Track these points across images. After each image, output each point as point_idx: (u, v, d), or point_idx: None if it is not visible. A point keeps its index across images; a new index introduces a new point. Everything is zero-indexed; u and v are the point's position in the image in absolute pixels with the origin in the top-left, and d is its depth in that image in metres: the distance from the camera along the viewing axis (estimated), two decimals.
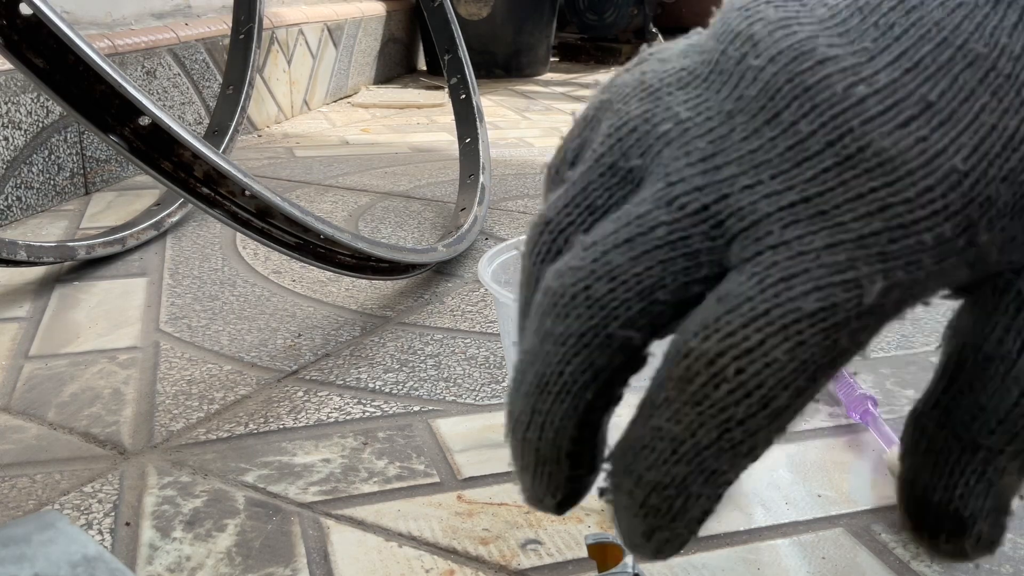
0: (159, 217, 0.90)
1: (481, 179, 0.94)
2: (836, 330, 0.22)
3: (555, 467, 0.24)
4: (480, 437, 0.53)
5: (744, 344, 0.21)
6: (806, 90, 0.23)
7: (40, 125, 0.96)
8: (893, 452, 0.48)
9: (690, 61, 0.25)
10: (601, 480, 0.24)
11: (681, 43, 0.27)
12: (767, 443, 0.22)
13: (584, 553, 0.43)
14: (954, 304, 0.29)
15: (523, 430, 0.23)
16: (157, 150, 0.54)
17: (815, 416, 0.56)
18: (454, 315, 0.71)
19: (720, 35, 0.25)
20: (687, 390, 0.22)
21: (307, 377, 0.61)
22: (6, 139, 0.91)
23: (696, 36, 0.27)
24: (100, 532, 0.44)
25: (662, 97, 0.25)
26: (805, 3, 0.24)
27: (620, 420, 0.46)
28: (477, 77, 1.06)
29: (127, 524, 0.45)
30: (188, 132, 0.54)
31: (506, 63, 2.05)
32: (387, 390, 0.59)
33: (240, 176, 0.57)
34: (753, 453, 0.22)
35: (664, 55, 0.27)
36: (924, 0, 0.24)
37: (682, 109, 0.24)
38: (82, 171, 1.03)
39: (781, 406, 0.22)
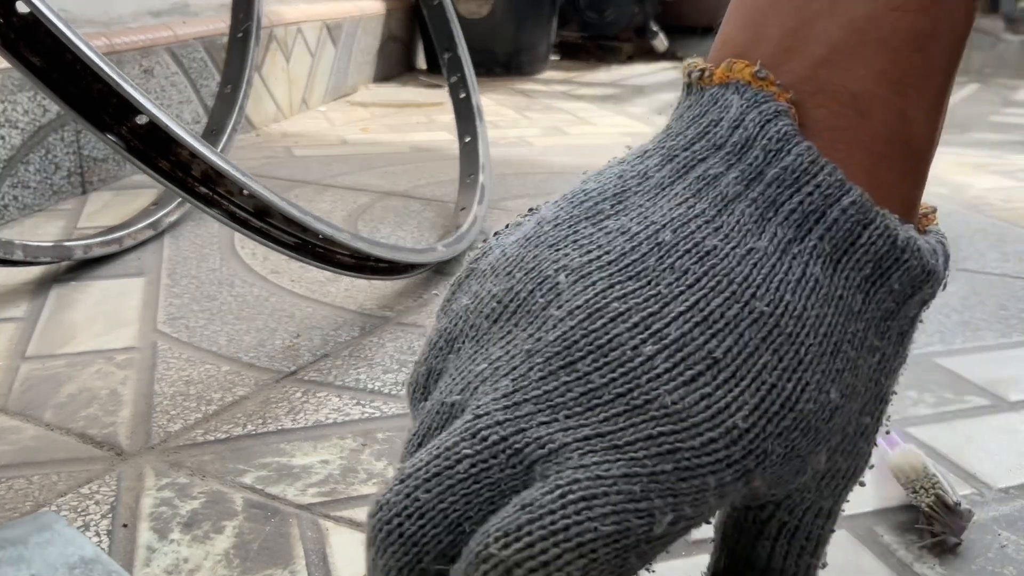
0: (157, 217, 0.89)
1: (481, 178, 0.94)
2: (626, 551, 0.23)
3: None
4: None
5: (541, 557, 0.22)
6: (599, 347, 0.25)
7: (37, 124, 0.95)
8: (895, 453, 0.47)
9: (502, 287, 0.28)
10: None
11: (501, 252, 0.30)
12: None
13: None
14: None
15: None
16: (155, 149, 0.54)
17: None
18: None
19: (530, 272, 0.28)
20: None
21: (306, 378, 0.60)
22: (2, 138, 0.91)
23: (519, 229, 0.30)
24: (97, 534, 0.44)
25: (481, 338, 0.28)
26: (609, 232, 0.27)
27: None
28: (477, 76, 1.06)
29: (124, 526, 0.45)
30: (186, 131, 0.54)
31: (506, 62, 2.05)
32: (386, 391, 0.59)
33: (238, 175, 0.56)
34: None
35: (479, 281, 0.30)
36: (717, 247, 0.26)
37: (495, 349, 0.27)
38: (79, 170, 1.03)
39: None
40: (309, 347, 0.65)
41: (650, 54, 2.40)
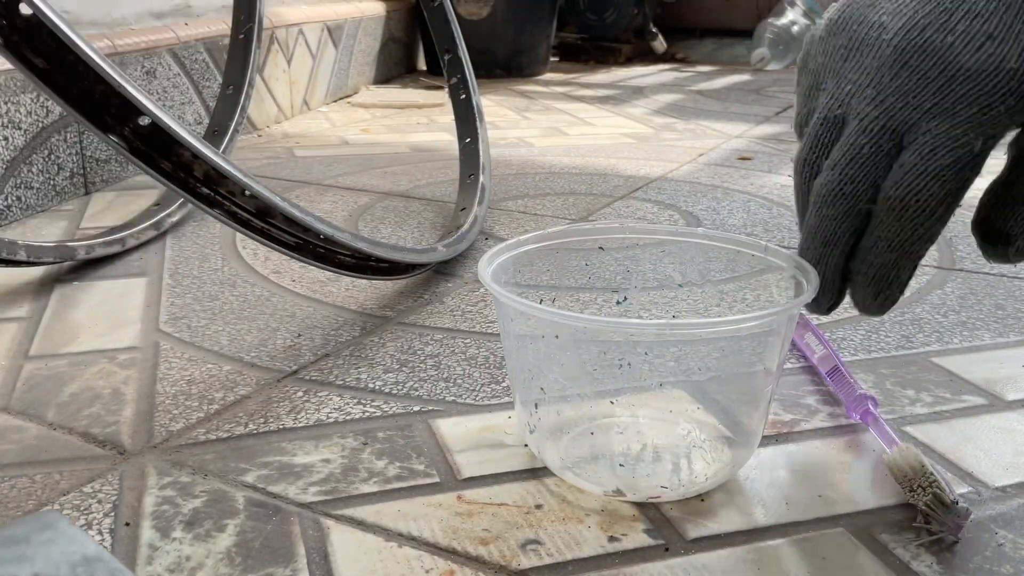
0: (159, 217, 0.90)
1: (481, 179, 0.94)
2: (962, 169, 0.42)
3: (832, 286, 0.46)
4: (480, 437, 0.53)
5: (916, 188, 0.42)
6: (920, 47, 0.41)
7: (40, 125, 0.96)
8: (892, 452, 0.48)
9: (844, 37, 0.44)
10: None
11: (829, 20, 0.45)
12: (937, 233, 0.43)
13: (583, 553, 0.43)
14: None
15: (818, 265, 0.45)
16: (157, 150, 0.54)
17: (815, 416, 0.56)
18: (454, 315, 0.71)
19: (861, 23, 0.43)
20: (892, 213, 0.42)
21: (307, 377, 0.61)
22: (6, 139, 0.91)
23: (827, 18, 0.46)
24: (100, 532, 0.44)
25: (839, 68, 0.44)
26: None
27: (616, 420, 0.47)
28: (477, 77, 1.06)
29: (127, 524, 0.45)
30: (188, 132, 0.54)
31: (506, 63, 2.05)
32: (387, 390, 0.59)
33: (240, 176, 0.57)
34: (932, 237, 0.43)
35: (823, 43, 0.45)
36: None
37: (852, 75, 0.43)
38: (82, 171, 1.03)
39: (940, 213, 0.42)
40: (310, 347, 0.65)
41: (649, 55, 2.40)
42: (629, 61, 2.36)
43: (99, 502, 0.47)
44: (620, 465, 0.48)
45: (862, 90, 0.42)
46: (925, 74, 0.41)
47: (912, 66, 0.41)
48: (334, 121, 1.53)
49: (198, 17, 1.27)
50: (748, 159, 1.26)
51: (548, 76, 2.11)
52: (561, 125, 1.52)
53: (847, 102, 0.43)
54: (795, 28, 2.19)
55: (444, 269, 0.81)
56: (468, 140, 1.01)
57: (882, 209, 0.43)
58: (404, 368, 0.62)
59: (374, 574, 0.41)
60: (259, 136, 1.40)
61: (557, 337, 0.46)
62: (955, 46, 0.40)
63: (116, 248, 0.83)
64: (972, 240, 0.89)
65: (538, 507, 0.46)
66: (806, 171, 0.45)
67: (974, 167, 0.42)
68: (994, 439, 0.53)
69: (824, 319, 0.70)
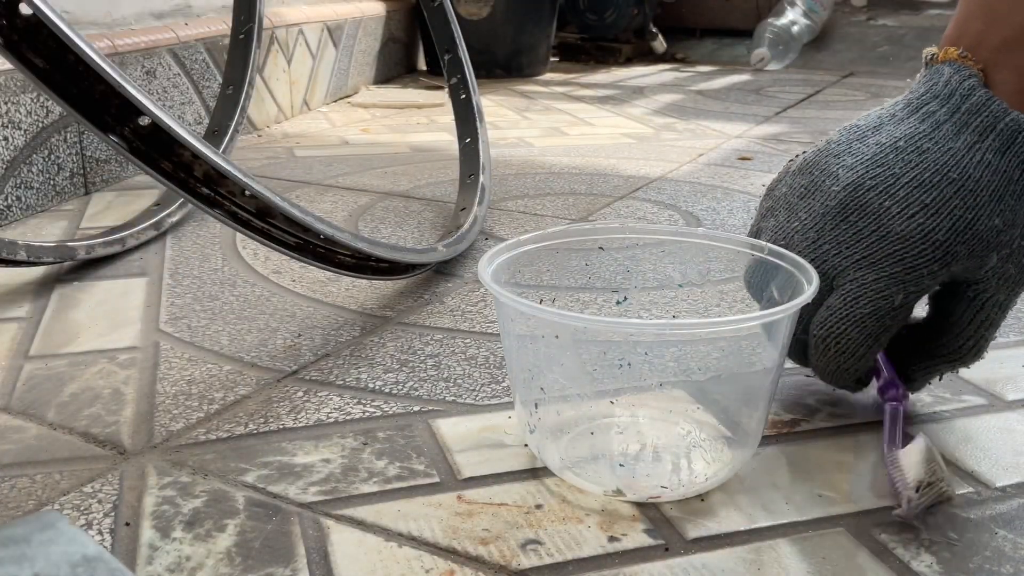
0: (159, 217, 0.90)
1: (481, 179, 0.94)
2: (882, 318, 0.48)
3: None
4: (480, 437, 0.53)
5: (836, 330, 0.49)
6: (861, 207, 0.48)
7: (40, 125, 0.96)
8: (895, 453, 0.48)
9: (806, 180, 0.51)
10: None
11: (804, 160, 0.53)
12: (863, 367, 0.50)
13: (583, 553, 0.43)
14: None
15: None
16: (157, 150, 0.54)
17: (815, 416, 0.56)
18: (454, 315, 0.71)
19: (823, 170, 0.50)
20: (818, 350, 0.50)
21: (307, 377, 0.61)
22: (6, 139, 0.91)
23: (794, 163, 0.54)
24: (100, 532, 0.44)
25: (795, 204, 0.51)
26: (869, 144, 0.49)
27: (615, 420, 0.47)
28: (477, 77, 1.06)
29: (127, 524, 0.45)
30: (188, 132, 0.54)
31: (506, 63, 2.05)
32: (387, 390, 0.59)
33: (240, 176, 0.57)
34: (858, 371, 0.51)
35: (792, 177, 0.53)
36: (930, 148, 0.47)
37: (802, 215, 0.50)
38: (82, 171, 1.03)
39: (861, 354, 0.49)
40: (310, 346, 0.65)
41: (649, 55, 2.40)
42: (629, 61, 2.36)
43: (99, 502, 0.47)
44: (620, 465, 0.48)
45: (805, 231, 0.49)
46: (860, 230, 0.47)
47: (851, 221, 0.48)
48: (334, 121, 1.53)
49: (198, 17, 1.27)
50: (748, 159, 1.26)
51: (548, 76, 2.11)
52: (561, 125, 1.52)
53: (791, 237, 0.50)
54: (795, 28, 2.19)
55: (444, 269, 0.81)
56: (468, 140, 1.01)
57: (811, 344, 0.50)
58: (404, 368, 0.62)
59: (374, 574, 0.41)
60: (259, 136, 1.40)
61: (557, 337, 0.46)
62: (891, 210, 0.46)
63: (116, 248, 0.83)
64: None
65: (538, 507, 0.46)
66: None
67: (895, 317, 0.48)
68: (994, 439, 0.53)
69: None
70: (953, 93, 0.47)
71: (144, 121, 0.53)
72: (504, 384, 0.60)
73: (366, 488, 0.48)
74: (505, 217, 0.97)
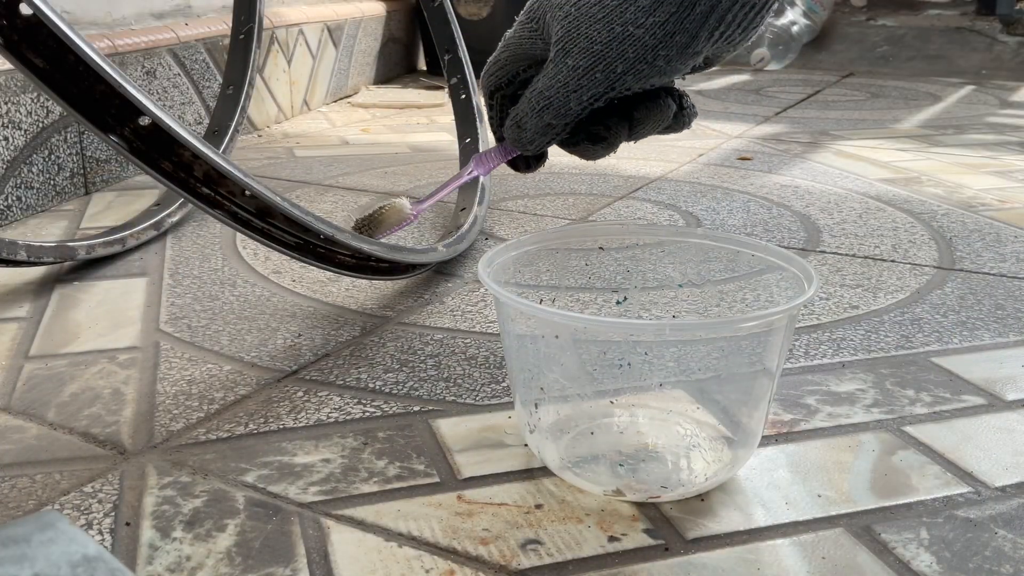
0: (159, 217, 0.90)
1: (481, 179, 0.94)
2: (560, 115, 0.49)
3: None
4: (480, 437, 0.53)
5: (524, 114, 0.50)
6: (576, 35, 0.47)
7: (40, 125, 0.96)
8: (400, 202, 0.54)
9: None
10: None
11: None
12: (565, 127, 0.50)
13: (583, 553, 0.43)
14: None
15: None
16: (157, 150, 0.54)
17: (815, 416, 0.56)
18: (454, 315, 0.71)
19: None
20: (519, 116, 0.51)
21: (307, 377, 0.61)
22: (6, 139, 0.92)
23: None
24: (100, 532, 0.44)
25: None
26: None
27: (615, 420, 0.47)
28: (477, 77, 1.06)
29: (127, 524, 0.45)
30: (188, 132, 0.54)
31: None
32: (387, 390, 0.59)
33: (240, 176, 0.57)
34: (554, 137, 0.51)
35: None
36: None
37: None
38: (82, 171, 1.03)
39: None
40: (310, 346, 0.65)
41: None
42: None
43: (99, 502, 0.47)
44: (620, 465, 0.48)
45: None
46: (567, 49, 0.48)
47: (567, 52, 0.48)
48: (334, 121, 1.53)
49: (198, 17, 1.27)
50: (748, 159, 1.26)
51: None
52: None
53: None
54: (795, 28, 2.19)
55: (444, 269, 0.81)
56: (468, 140, 1.01)
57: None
58: (404, 368, 0.62)
59: (374, 574, 0.41)
60: (259, 136, 1.40)
61: (557, 337, 0.46)
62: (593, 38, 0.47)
63: (116, 248, 0.83)
64: (971, 240, 0.89)
65: (538, 507, 0.46)
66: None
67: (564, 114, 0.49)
68: (994, 439, 0.53)
69: (823, 319, 0.70)
70: None
71: (144, 121, 0.53)
72: (504, 384, 0.60)
73: (366, 488, 0.48)
74: (505, 217, 0.97)
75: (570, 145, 0.52)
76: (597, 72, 0.46)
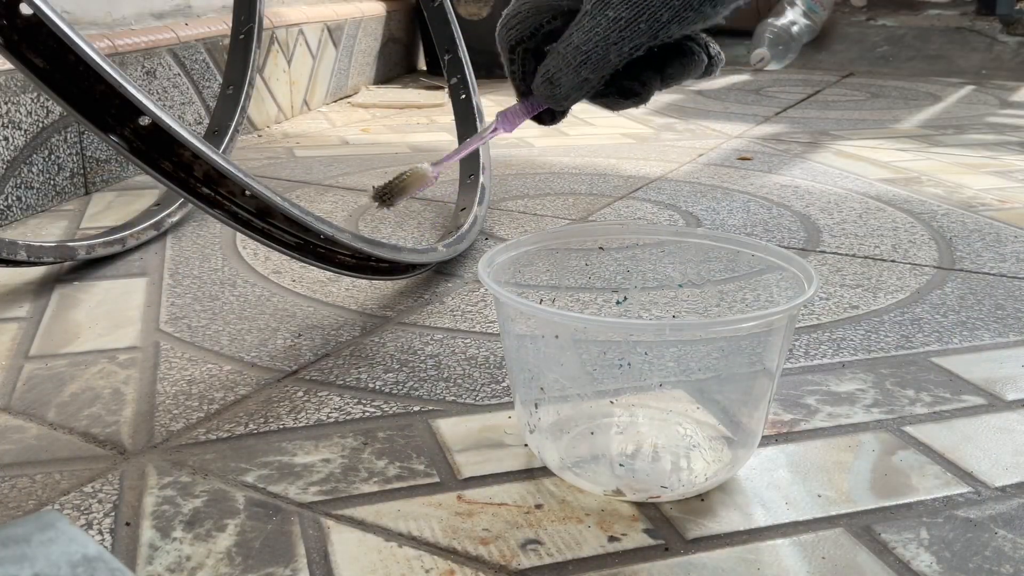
0: (159, 217, 0.90)
1: (481, 179, 0.94)
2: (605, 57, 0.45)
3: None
4: (480, 437, 0.53)
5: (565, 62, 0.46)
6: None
7: (40, 125, 0.96)
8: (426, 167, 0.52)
9: None
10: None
11: None
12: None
13: (583, 553, 0.43)
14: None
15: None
16: (157, 150, 0.54)
17: (815, 416, 0.56)
18: (454, 315, 0.71)
19: None
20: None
21: (307, 377, 0.61)
22: (6, 139, 0.92)
23: None
24: (100, 532, 0.44)
25: None
26: None
27: (615, 420, 0.47)
28: (477, 77, 1.06)
29: (127, 524, 0.45)
30: (188, 132, 0.54)
31: None
32: (387, 390, 0.59)
33: (240, 176, 0.57)
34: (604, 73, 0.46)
35: None
36: None
37: None
38: (82, 171, 1.03)
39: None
40: (310, 346, 0.65)
41: None
42: None
43: (99, 502, 0.47)
44: (620, 465, 0.48)
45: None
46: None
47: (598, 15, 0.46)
48: (334, 121, 1.53)
49: (198, 17, 1.27)
50: (748, 159, 1.26)
51: None
52: (561, 125, 1.52)
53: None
54: (795, 28, 2.19)
55: (444, 269, 0.81)
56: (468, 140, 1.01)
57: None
58: (404, 368, 0.62)
59: (374, 574, 0.41)
60: (259, 136, 1.40)
61: (557, 337, 0.46)
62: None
63: (116, 248, 0.83)
64: (971, 240, 0.89)
65: (538, 507, 0.46)
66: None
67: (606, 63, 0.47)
68: (994, 439, 0.53)
69: (823, 319, 0.70)
70: None
71: (144, 121, 0.53)
72: (504, 384, 0.60)
73: (366, 488, 0.48)
74: (505, 217, 0.97)
75: (600, 97, 0.49)
76: (641, 23, 0.44)
